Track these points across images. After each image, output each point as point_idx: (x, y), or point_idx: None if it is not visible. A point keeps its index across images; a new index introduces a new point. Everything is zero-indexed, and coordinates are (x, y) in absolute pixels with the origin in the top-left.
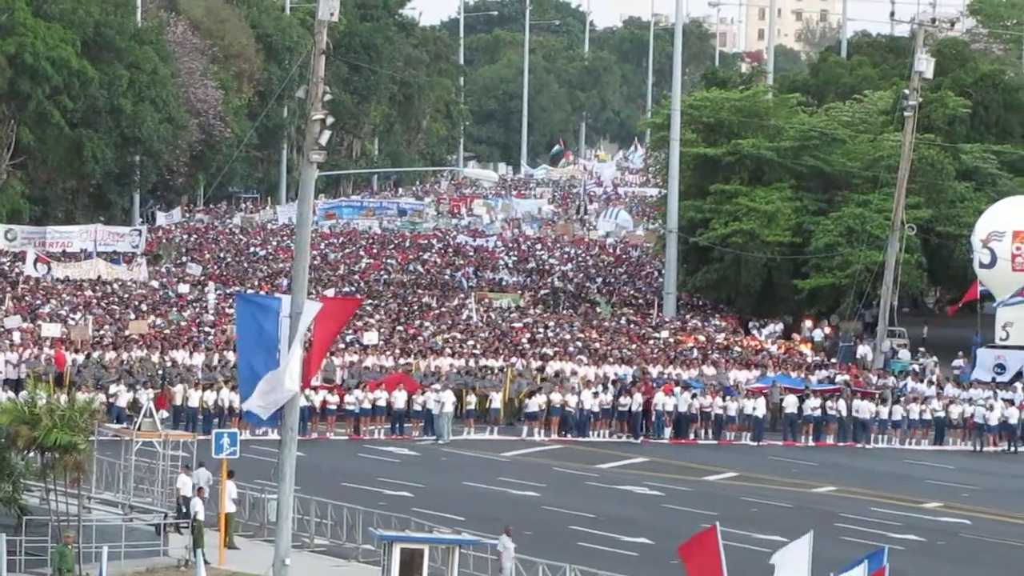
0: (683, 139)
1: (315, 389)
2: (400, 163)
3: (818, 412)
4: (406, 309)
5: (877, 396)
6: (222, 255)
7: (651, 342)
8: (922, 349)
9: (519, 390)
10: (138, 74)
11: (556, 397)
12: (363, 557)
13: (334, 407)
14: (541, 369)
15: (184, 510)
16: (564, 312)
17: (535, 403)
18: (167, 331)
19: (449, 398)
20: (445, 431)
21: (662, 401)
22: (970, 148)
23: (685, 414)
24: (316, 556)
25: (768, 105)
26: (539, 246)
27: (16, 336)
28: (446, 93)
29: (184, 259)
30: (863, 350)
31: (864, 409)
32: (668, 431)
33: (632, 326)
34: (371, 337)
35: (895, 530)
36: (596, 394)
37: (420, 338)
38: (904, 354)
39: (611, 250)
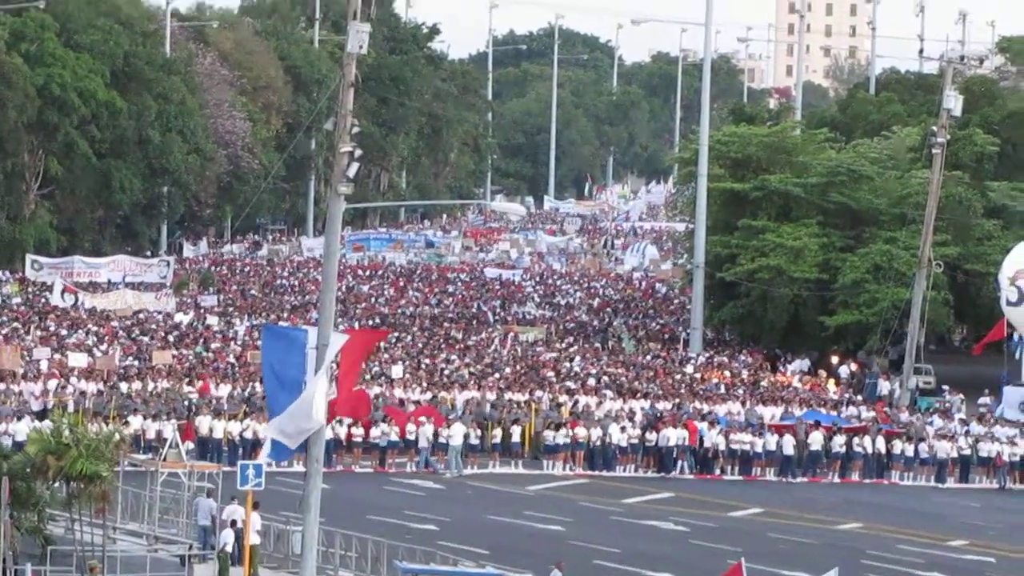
0: (711, 174)
1: (340, 421)
2: (427, 196)
3: (844, 448)
4: (432, 342)
5: (904, 433)
6: (248, 286)
7: (677, 377)
8: (947, 387)
9: (544, 423)
10: (166, 105)
11: (580, 431)
12: None
13: (360, 439)
14: (559, 404)
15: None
16: (590, 347)
17: (557, 437)
18: (191, 362)
19: (459, 431)
20: (453, 464)
21: (681, 436)
22: (998, 186)
23: (711, 450)
24: None
25: (796, 141)
26: (565, 280)
27: (43, 365)
28: (474, 127)
29: (210, 289)
30: (888, 387)
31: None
32: (683, 465)
33: (658, 361)
34: (397, 370)
35: (920, 567)
36: (624, 429)
37: (446, 371)
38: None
39: (638, 284)
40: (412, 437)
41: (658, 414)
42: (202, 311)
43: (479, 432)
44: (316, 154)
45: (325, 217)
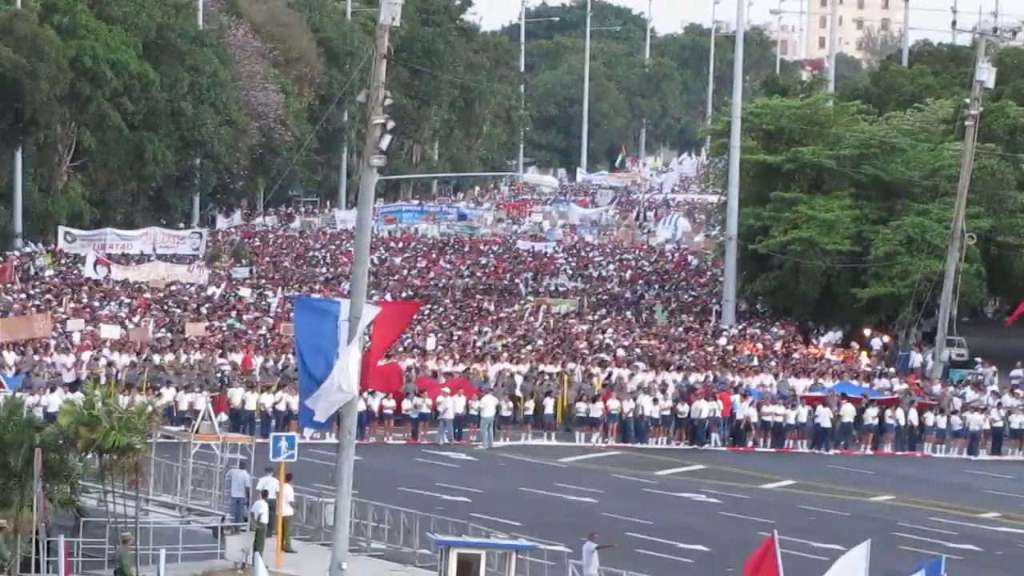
0: (743, 146)
1: (372, 393)
2: (460, 168)
3: (876, 421)
4: (464, 314)
5: (936, 405)
6: (281, 259)
7: (709, 349)
8: (979, 359)
9: (577, 395)
10: (199, 77)
11: (613, 403)
12: (420, 562)
13: (391, 412)
14: (591, 376)
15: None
16: (622, 318)
17: (590, 409)
18: (224, 334)
19: (490, 403)
20: (485, 436)
21: (713, 408)
22: None
23: (743, 422)
24: (373, 560)
25: (828, 113)
26: (597, 252)
27: (76, 337)
28: (506, 99)
29: (242, 261)
30: (920, 359)
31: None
32: (716, 437)
33: (691, 333)
34: (430, 343)
35: (953, 540)
36: (656, 401)
37: (479, 343)
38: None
39: (670, 256)
40: (443, 409)
41: (691, 386)
42: (234, 283)
43: (511, 404)
44: (349, 126)
45: (358, 189)
